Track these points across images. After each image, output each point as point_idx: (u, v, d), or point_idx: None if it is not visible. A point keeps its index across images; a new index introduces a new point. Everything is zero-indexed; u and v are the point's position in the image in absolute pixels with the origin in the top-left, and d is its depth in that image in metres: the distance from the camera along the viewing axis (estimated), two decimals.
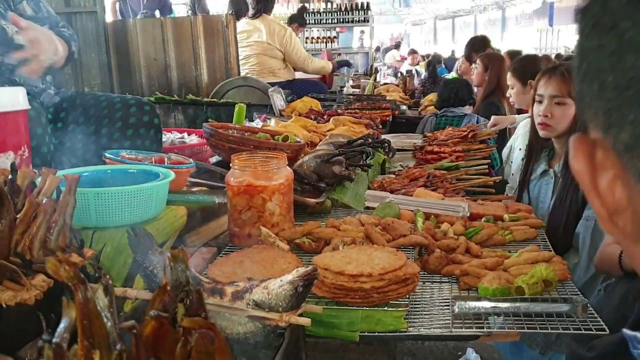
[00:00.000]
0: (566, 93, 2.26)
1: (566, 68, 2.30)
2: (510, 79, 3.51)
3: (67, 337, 0.63)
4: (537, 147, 2.47)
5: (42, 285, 1.26)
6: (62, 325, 0.64)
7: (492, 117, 3.90)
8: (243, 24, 5.48)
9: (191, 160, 2.13)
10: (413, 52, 14.39)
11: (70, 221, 1.41)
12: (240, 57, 5.20)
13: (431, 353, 3.74)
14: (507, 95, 3.62)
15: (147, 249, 1.36)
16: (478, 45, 5.77)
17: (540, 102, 2.35)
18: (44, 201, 1.34)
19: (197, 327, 0.71)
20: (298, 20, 7.16)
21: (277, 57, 5.47)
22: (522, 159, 3.25)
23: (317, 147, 2.46)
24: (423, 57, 14.28)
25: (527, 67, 3.47)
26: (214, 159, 2.76)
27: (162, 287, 0.83)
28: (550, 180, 2.37)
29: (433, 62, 9.06)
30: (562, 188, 2.26)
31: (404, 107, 5.52)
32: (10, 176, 1.30)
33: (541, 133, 2.37)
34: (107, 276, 0.82)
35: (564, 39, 16.84)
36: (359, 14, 9.67)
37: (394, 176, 2.84)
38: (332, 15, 9.92)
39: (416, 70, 9.18)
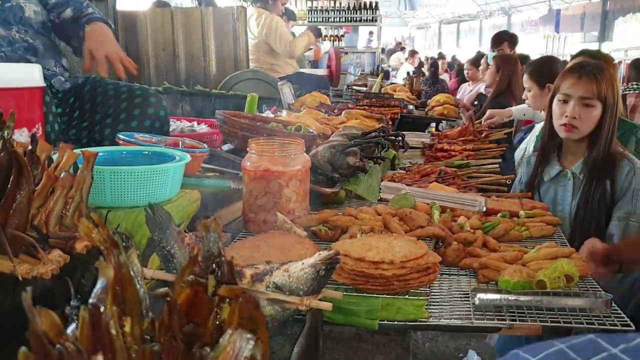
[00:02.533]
0: (595, 94, 2.16)
1: (596, 68, 2.23)
2: (527, 82, 3.46)
3: (104, 297, 0.61)
4: (550, 148, 2.40)
5: (58, 260, 1.23)
6: (98, 286, 0.61)
7: (488, 111, 3.89)
8: None
9: (205, 145, 2.11)
10: (413, 53, 14.35)
11: (87, 197, 1.38)
12: None
13: (432, 354, 3.72)
14: (523, 97, 3.58)
15: (165, 228, 1.34)
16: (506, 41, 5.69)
17: (565, 102, 2.22)
18: (61, 175, 1.31)
19: (234, 296, 0.69)
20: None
21: (270, 52, 5.47)
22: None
23: (331, 138, 2.43)
24: (427, 58, 14.27)
25: (545, 69, 3.41)
26: (225, 147, 2.73)
27: (193, 257, 0.80)
28: (569, 182, 2.30)
29: (436, 63, 9.05)
30: (587, 189, 2.20)
31: (411, 107, 5.50)
32: (30, 147, 1.27)
33: (564, 135, 2.26)
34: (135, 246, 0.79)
35: (570, 45, 16.83)
36: (366, 13, 9.65)
37: (404, 172, 2.81)
38: (339, 13, 9.89)
39: (422, 71, 9.14)
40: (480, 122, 3.82)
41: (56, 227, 1.30)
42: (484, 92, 5.70)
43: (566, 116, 2.20)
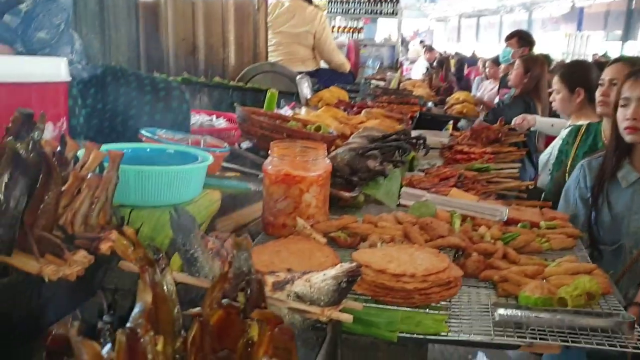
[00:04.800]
0: None
1: None
2: (556, 84, 3.40)
3: (142, 322, 0.61)
4: (620, 154, 2.35)
5: (83, 261, 1.24)
6: (137, 310, 0.62)
7: (520, 116, 3.84)
8: (275, 7, 5.42)
9: (226, 144, 2.11)
10: (430, 49, 14.22)
11: (112, 198, 1.39)
12: (269, 44, 5.16)
13: (441, 354, 3.72)
14: (551, 99, 3.53)
15: (189, 231, 1.34)
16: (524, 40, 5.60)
17: (626, 105, 2.23)
18: (88, 176, 1.32)
19: (266, 320, 0.69)
20: None
21: (308, 46, 5.42)
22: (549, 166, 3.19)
23: (351, 140, 2.42)
24: (441, 54, 14.14)
25: (577, 73, 3.36)
26: (244, 144, 2.73)
27: (223, 274, 0.81)
28: None
29: (462, 60, 8.95)
30: None
31: (430, 104, 5.47)
32: (58, 148, 1.28)
33: (629, 138, 2.24)
34: (168, 261, 0.80)
35: (592, 45, 16.57)
36: (387, 5, 9.57)
37: (422, 174, 2.80)
38: (359, 5, 9.82)
39: (442, 67, 9.05)
40: (504, 122, 3.76)
41: (81, 227, 1.31)
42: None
43: (627, 119, 2.20)
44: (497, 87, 6.26)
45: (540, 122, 3.81)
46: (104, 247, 1.29)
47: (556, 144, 3.22)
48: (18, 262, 1.13)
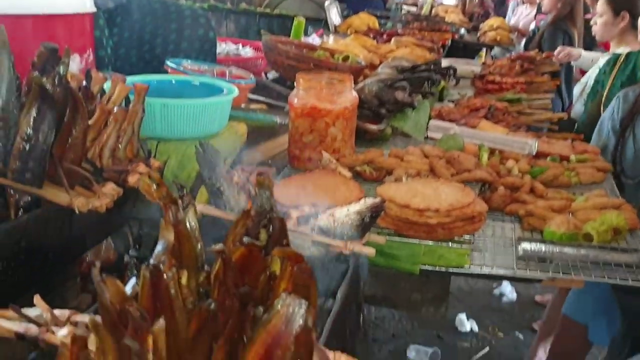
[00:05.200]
0: None
1: None
2: (601, 6, 3.21)
3: (165, 260, 0.63)
4: None
5: (112, 194, 1.27)
6: (159, 247, 0.64)
7: (560, 47, 3.67)
8: None
9: (252, 75, 2.09)
10: None
11: (139, 131, 1.41)
12: None
13: (466, 283, 3.77)
14: (592, 23, 3.35)
15: (215, 165, 1.35)
16: None
17: None
18: (114, 110, 1.33)
19: (287, 257, 0.70)
20: None
21: None
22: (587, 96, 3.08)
23: (379, 70, 2.37)
24: None
25: None
26: (270, 75, 2.70)
27: (245, 211, 0.82)
28: None
29: None
30: None
31: (463, 31, 5.28)
32: (84, 82, 1.29)
33: None
34: (193, 198, 0.81)
35: None
36: None
37: (452, 105, 2.75)
38: None
39: None
40: (541, 51, 3.61)
41: (109, 160, 1.34)
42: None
43: None
44: (534, 12, 5.99)
45: (584, 57, 3.63)
46: (132, 179, 1.32)
47: (592, 74, 3.10)
48: (49, 194, 1.17)
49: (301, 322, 0.61)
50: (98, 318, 0.52)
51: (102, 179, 1.29)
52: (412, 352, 2.85)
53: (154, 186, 0.72)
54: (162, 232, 0.65)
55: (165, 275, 0.61)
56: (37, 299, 0.88)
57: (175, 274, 0.62)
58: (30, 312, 0.88)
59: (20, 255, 1.10)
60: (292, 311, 0.63)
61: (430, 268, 1.33)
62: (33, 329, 0.83)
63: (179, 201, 0.74)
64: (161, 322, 0.54)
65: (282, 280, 0.72)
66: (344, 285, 1.23)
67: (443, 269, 1.33)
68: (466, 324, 3.13)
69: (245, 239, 0.71)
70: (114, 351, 0.50)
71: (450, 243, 1.37)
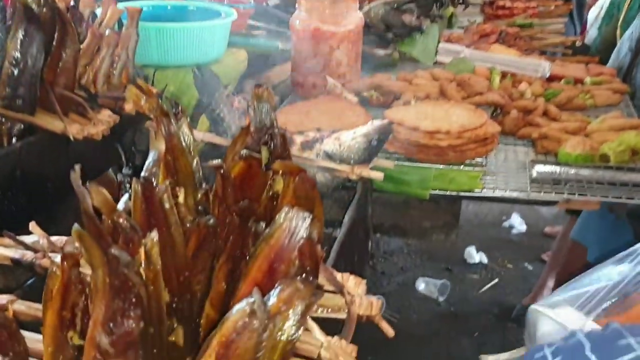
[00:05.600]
0: None
1: None
2: None
3: (156, 171, 0.59)
4: None
5: (108, 120, 1.22)
6: (150, 159, 0.59)
7: None
8: None
9: (251, 0, 2.00)
10: None
11: (133, 56, 1.34)
12: None
13: (475, 216, 3.75)
14: None
15: (214, 91, 1.30)
16: None
17: None
18: (106, 33, 1.26)
19: (289, 171, 0.65)
20: None
21: None
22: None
23: None
24: None
25: None
26: (271, 2, 2.59)
27: (244, 128, 0.77)
28: None
29: None
30: None
31: None
32: (72, 3, 1.21)
33: None
34: (185, 113, 0.76)
35: None
36: None
37: (461, 31, 2.64)
38: None
39: None
40: None
41: (104, 87, 1.28)
42: None
43: None
44: None
45: None
46: (129, 106, 1.26)
47: None
48: (42, 121, 1.12)
49: (305, 234, 0.57)
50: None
51: (97, 106, 1.23)
52: (421, 284, 2.85)
53: (143, 98, 0.67)
54: (152, 144, 0.60)
55: (157, 188, 0.56)
56: (32, 225, 0.85)
57: (168, 187, 0.57)
58: (27, 239, 0.85)
59: (15, 184, 1.07)
60: (295, 224, 0.59)
61: (441, 193, 1.29)
62: (29, 255, 0.80)
63: (171, 115, 0.69)
64: (154, 234, 0.49)
65: (284, 197, 0.68)
66: (351, 210, 1.19)
67: (454, 194, 1.29)
68: (475, 256, 3.12)
69: (244, 152, 0.66)
70: (103, 264, 0.46)
71: (461, 166, 1.32)
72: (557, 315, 0.80)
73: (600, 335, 0.66)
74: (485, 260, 3.12)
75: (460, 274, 3.01)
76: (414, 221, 1.56)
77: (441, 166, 1.32)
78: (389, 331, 0.71)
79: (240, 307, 0.46)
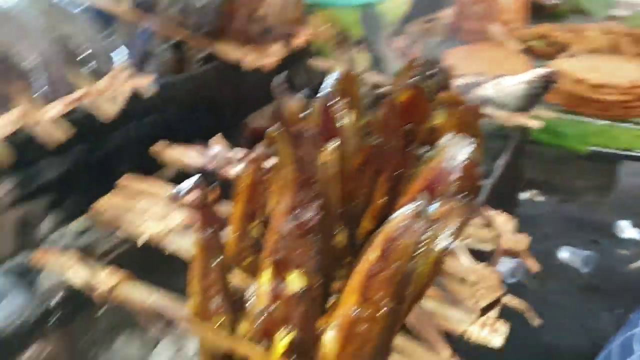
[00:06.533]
0: None
1: None
2: None
3: (335, 91, 0.65)
4: None
5: (278, 53, 1.32)
6: (330, 80, 0.65)
7: None
8: None
9: None
10: None
11: None
12: None
13: (634, 188, 3.47)
14: None
15: (377, 29, 1.34)
16: None
17: None
18: None
19: (453, 103, 0.69)
20: None
21: None
22: None
23: None
24: None
25: None
26: None
27: (411, 60, 0.81)
28: None
29: None
30: None
31: None
32: None
33: None
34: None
35: None
36: None
37: None
38: None
39: None
40: None
41: (277, 22, 1.37)
42: None
43: None
44: None
45: None
46: (299, 40, 1.35)
47: None
48: (222, 50, 1.24)
49: (467, 157, 0.61)
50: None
51: (270, 39, 1.33)
52: (565, 252, 2.74)
53: (324, 27, 0.73)
54: (336, 67, 0.66)
55: (335, 106, 0.63)
56: (218, 137, 0.97)
57: (344, 104, 0.63)
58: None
59: (197, 105, 1.20)
60: (457, 149, 0.63)
61: (599, 149, 1.24)
62: (214, 163, 0.92)
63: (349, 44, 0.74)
64: (335, 140, 0.56)
65: (447, 126, 0.72)
66: (503, 158, 1.19)
67: (614, 151, 1.24)
68: (627, 230, 2.92)
69: (411, 81, 0.70)
70: (292, 162, 0.53)
71: (626, 124, 1.26)
72: None
73: None
74: (638, 237, 2.91)
75: (607, 248, 2.84)
76: (567, 179, 1.51)
77: (604, 122, 1.26)
78: (534, 267, 0.73)
79: (405, 209, 0.52)
